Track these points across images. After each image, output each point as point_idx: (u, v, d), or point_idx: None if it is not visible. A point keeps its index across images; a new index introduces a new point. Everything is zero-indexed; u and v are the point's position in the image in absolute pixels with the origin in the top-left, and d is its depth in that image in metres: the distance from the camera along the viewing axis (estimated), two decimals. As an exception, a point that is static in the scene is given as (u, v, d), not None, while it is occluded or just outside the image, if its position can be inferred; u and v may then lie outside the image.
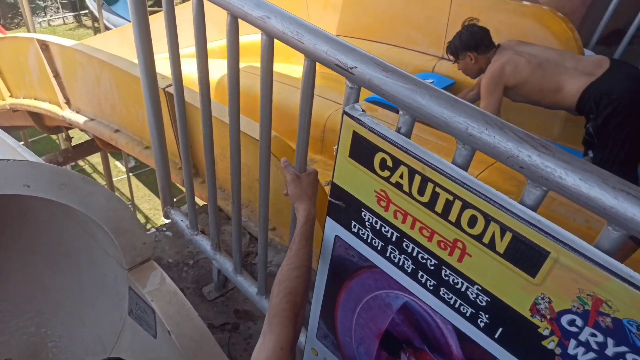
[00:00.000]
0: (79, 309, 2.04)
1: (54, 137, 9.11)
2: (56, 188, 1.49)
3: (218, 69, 3.00)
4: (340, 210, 1.13)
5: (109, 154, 7.71)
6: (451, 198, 0.87)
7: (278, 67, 4.21)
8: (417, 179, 0.91)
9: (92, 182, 1.57)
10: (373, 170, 0.99)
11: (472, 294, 0.93)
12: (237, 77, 1.40)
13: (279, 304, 1.06)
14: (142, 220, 9.32)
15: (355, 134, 0.99)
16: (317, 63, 1.06)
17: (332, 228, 1.18)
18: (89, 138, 6.08)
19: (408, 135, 0.94)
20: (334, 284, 1.27)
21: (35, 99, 4.25)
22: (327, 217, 1.18)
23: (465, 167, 0.87)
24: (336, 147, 1.06)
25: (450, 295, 0.97)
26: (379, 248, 1.08)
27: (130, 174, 8.50)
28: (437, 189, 0.88)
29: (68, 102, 3.67)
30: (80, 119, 3.49)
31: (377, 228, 1.05)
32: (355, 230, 1.11)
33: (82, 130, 4.13)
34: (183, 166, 1.91)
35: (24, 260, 2.17)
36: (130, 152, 3.05)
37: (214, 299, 2.00)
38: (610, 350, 0.75)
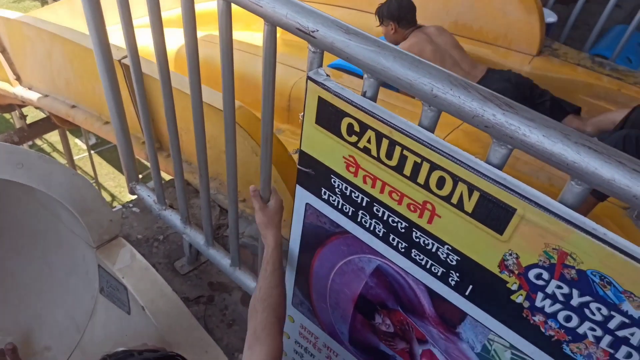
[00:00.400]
0: (49, 291, 2.00)
1: (7, 116, 8.71)
2: (12, 168, 1.43)
3: (175, 39, 2.90)
4: (309, 177, 1.12)
5: (67, 132, 7.43)
6: (419, 160, 0.87)
7: (239, 35, 4.10)
8: (385, 142, 0.90)
9: (51, 160, 1.51)
10: (340, 136, 0.98)
11: (442, 254, 0.95)
12: (196, 45, 1.35)
13: (266, 318, 1.12)
14: (108, 198, 9.11)
15: (320, 99, 0.97)
16: (278, 28, 1.03)
17: (302, 196, 1.17)
18: (45, 115, 5.85)
19: (374, 99, 0.93)
20: (306, 251, 1.28)
21: (-17, 76, 4.03)
22: (297, 185, 1.17)
23: (431, 129, 0.87)
24: (302, 114, 1.04)
25: (422, 256, 0.99)
26: (349, 214, 1.08)
27: (92, 152, 8.25)
28: (405, 152, 0.88)
29: (19, 79, 3.48)
30: (33, 95, 3.33)
31: (347, 194, 1.05)
32: (326, 197, 1.11)
33: (36, 107, 3.95)
34: (146, 141, 1.85)
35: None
36: (89, 128, 2.94)
37: (187, 273, 1.99)
38: (576, 301, 0.78)
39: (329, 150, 1.02)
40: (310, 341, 1.50)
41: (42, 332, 1.96)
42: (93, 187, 1.65)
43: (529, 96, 2.79)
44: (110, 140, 2.96)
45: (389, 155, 0.91)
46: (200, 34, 1.41)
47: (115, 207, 1.72)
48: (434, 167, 0.85)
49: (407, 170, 0.90)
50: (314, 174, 1.10)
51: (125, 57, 2.15)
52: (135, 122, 2.37)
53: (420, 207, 0.92)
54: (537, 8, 3.29)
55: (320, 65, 0.99)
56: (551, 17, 3.79)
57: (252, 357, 1.07)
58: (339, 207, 1.09)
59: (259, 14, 1.02)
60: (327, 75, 0.96)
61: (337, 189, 1.07)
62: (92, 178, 8.64)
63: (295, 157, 1.18)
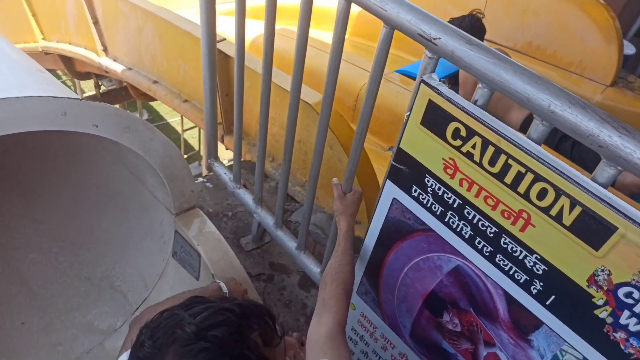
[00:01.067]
0: (124, 249, 2.14)
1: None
2: (120, 130, 1.56)
3: (251, 30, 3.02)
4: (402, 174, 1.18)
5: (126, 105, 7.77)
6: (523, 170, 0.92)
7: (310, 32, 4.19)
8: (490, 150, 0.96)
9: (152, 128, 1.63)
10: (444, 139, 1.04)
11: (529, 262, 0.99)
12: (305, 44, 1.44)
13: (335, 289, 1.20)
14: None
15: (430, 102, 1.03)
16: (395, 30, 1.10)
17: (391, 191, 1.24)
18: (115, 87, 6.15)
19: (484, 107, 0.98)
20: (383, 244, 1.35)
21: (70, 44, 4.29)
22: (387, 179, 1.24)
23: (539, 142, 0.92)
24: (408, 113, 1.10)
25: (506, 262, 1.04)
26: (438, 213, 1.14)
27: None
28: (510, 161, 0.94)
29: (105, 50, 3.70)
30: (117, 67, 3.53)
31: (439, 194, 1.11)
32: (416, 194, 1.17)
33: (118, 78, 4.18)
34: (235, 123, 1.96)
35: (73, 199, 2.26)
36: (168, 104, 3.10)
37: (250, 250, 2.09)
38: (665, 322, 0.81)
39: (429, 150, 1.09)
40: (368, 330, 1.57)
41: (113, 284, 2.11)
42: (182, 158, 1.76)
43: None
44: (186, 117, 3.12)
45: (492, 163, 0.97)
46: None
47: (197, 179, 1.84)
48: (538, 178, 0.90)
49: (509, 178, 0.95)
50: (407, 172, 1.17)
51: (221, 40, 2.28)
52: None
53: (515, 214, 0.98)
54: (617, 38, 3.24)
55: (434, 71, 1.05)
56: (630, 49, 3.71)
57: (320, 321, 1.14)
58: (428, 205, 1.15)
59: (381, 17, 1.09)
60: (442, 80, 1.03)
61: (429, 188, 1.13)
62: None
63: (388, 154, 1.25)
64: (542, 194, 0.91)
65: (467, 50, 0.95)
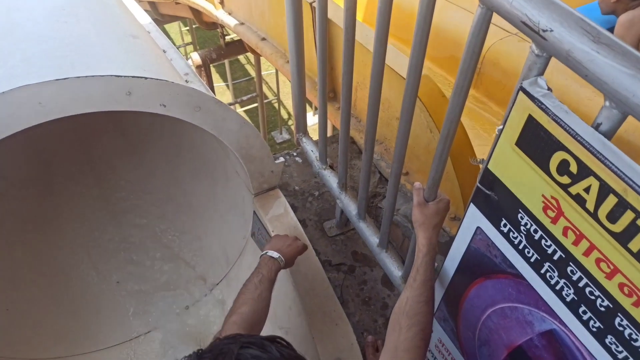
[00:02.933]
0: (210, 219, 2.13)
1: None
2: (191, 110, 1.46)
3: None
4: (489, 201, 0.91)
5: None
6: (659, 241, 0.61)
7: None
8: (612, 200, 0.66)
9: (226, 107, 1.51)
10: (547, 171, 0.75)
11: (654, 361, 0.69)
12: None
13: (412, 339, 0.98)
14: (285, 116, 9.60)
15: (530, 119, 0.74)
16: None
17: (475, 217, 0.97)
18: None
19: (609, 135, 0.67)
20: (464, 274, 1.09)
21: (194, -6, 4.37)
22: (471, 203, 0.97)
23: (694, 203, 0.60)
24: (500, 127, 0.82)
25: (621, 348, 0.74)
26: (532, 260, 0.86)
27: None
28: (640, 223, 0.63)
29: (222, 3, 3.67)
30: (231, 21, 3.49)
31: (535, 238, 0.83)
32: (505, 230, 0.90)
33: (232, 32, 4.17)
34: (319, 91, 1.76)
35: (169, 162, 2.30)
36: (273, 63, 2.99)
37: (334, 236, 1.94)
38: None
39: (525, 180, 0.80)
40: (445, 358, 1.35)
41: (198, 256, 2.12)
42: (260, 137, 1.63)
43: None
44: (288, 79, 2.99)
45: (613, 218, 0.67)
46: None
47: (278, 158, 1.69)
48: (682, 257, 0.59)
49: (636, 245, 0.65)
50: (496, 200, 0.89)
51: (315, 0, 2.06)
52: (315, 65, 2.32)
53: (640, 294, 0.67)
54: None
55: (541, 73, 0.75)
56: None
57: None
58: (520, 247, 0.87)
59: (474, -7, 0.80)
60: (549, 89, 0.73)
61: (522, 227, 0.85)
62: (274, 94, 9.16)
63: (477, 167, 0.98)
64: (687, 281, 0.60)
65: (592, 51, 0.63)
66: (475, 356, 1.19)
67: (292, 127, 9.34)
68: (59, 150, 2.27)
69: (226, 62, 8.41)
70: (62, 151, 2.27)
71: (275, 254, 1.44)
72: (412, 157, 1.95)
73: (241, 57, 10.92)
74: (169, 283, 2.10)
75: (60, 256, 2.11)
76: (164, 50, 2.10)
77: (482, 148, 1.87)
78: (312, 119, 6.99)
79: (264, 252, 1.46)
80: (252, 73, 9.76)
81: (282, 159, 1.76)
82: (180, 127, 2.10)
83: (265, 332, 1.87)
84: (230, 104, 7.96)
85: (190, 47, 9.85)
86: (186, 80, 1.90)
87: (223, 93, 9.97)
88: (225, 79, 9.77)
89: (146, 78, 1.33)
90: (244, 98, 7.94)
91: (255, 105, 8.41)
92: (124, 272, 2.12)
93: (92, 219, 2.21)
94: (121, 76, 1.28)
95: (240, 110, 9.07)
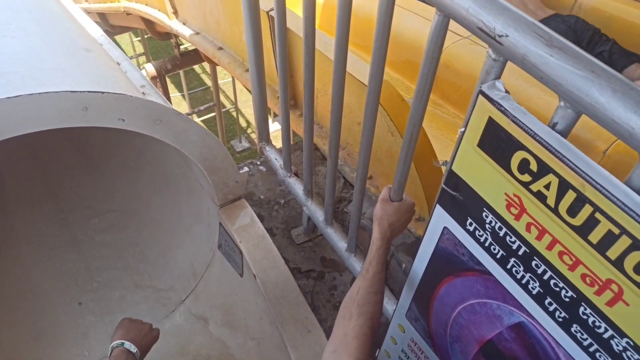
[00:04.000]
0: (175, 232, 2.09)
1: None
2: (151, 123, 1.43)
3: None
4: (455, 202, 0.94)
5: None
6: (617, 232, 0.65)
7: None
8: (571, 195, 0.69)
9: (187, 119, 1.50)
10: (508, 170, 0.77)
11: (617, 346, 0.73)
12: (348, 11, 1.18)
13: (360, 326, 1.00)
14: (244, 124, 9.52)
15: (491, 121, 0.77)
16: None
17: (441, 217, 1.00)
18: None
19: (566, 134, 0.71)
20: (433, 274, 1.12)
21: (146, 5, 4.27)
22: (437, 204, 0.99)
23: (646, 195, 0.63)
24: (462, 129, 0.84)
25: (586, 336, 0.78)
26: (498, 256, 0.89)
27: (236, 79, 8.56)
28: (598, 215, 0.66)
29: (176, 12, 3.62)
30: (186, 31, 3.44)
31: (500, 235, 0.86)
32: (471, 228, 0.92)
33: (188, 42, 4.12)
34: (280, 103, 1.77)
35: (129, 177, 2.24)
36: (232, 72, 2.97)
37: (301, 243, 1.94)
38: None
39: (488, 180, 0.83)
40: (419, 357, 1.37)
41: (164, 271, 2.08)
42: (223, 148, 1.62)
43: (588, 43, 2.39)
44: (249, 89, 2.97)
45: (572, 212, 0.70)
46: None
47: (242, 168, 1.69)
48: (637, 246, 0.63)
49: (595, 237, 0.68)
50: (461, 200, 0.92)
51: (272, 9, 2.06)
52: (275, 74, 2.32)
53: (601, 284, 0.71)
54: None
55: (499, 77, 0.78)
56: None
57: None
58: (486, 245, 0.90)
59: (431, 2, 0.82)
60: (506, 91, 0.75)
61: (487, 225, 0.88)
62: (232, 103, 9.05)
63: (443, 169, 1.00)
64: (643, 269, 0.63)
65: (545, 55, 0.67)
66: (448, 353, 1.21)
67: (252, 135, 9.27)
68: (11, 169, 2.18)
69: (181, 72, 8.28)
70: (15, 170, 2.18)
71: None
72: (375, 160, 1.98)
73: (196, 67, 10.78)
74: (134, 301, 2.05)
75: (18, 279, 2.02)
76: (118, 63, 2.06)
77: (443, 150, 1.92)
78: (272, 126, 6.96)
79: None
80: (208, 82, 9.64)
81: (246, 169, 1.75)
82: (140, 140, 2.06)
83: (238, 343, 1.86)
84: (188, 114, 7.83)
85: (142, 58, 9.64)
86: (143, 93, 1.87)
87: (179, 103, 9.80)
88: (181, 89, 9.61)
89: (103, 92, 1.29)
90: (201, 108, 7.83)
91: (213, 114, 8.31)
92: (86, 293, 2.05)
93: (49, 239, 2.13)
94: (76, 91, 1.25)
95: (197, 120, 8.92)
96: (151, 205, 2.20)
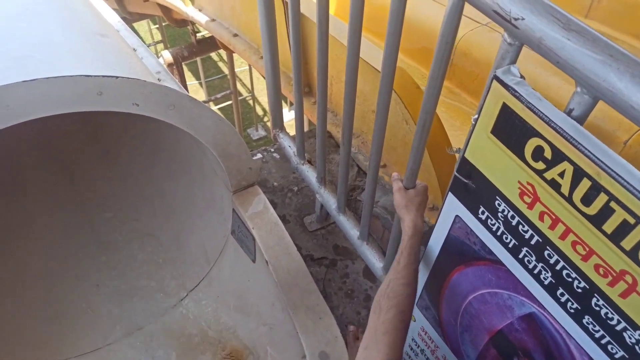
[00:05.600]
0: (188, 218, 2.11)
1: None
2: (164, 108, 1.44)
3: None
4: (467, 190, 0.92)
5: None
6: (632, 221, 0.63)
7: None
8: (585, 184, 0.67)
9: (201, 104, 1.50)
10: (522, 158, 0.76)
11: (630, 338, 0.71)
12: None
13: (391, 320, 0.96)
14: (260, 112, 9.52)
15: (505, 107, 0.75)
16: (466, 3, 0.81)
17: (453, 205, 0.98)
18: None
19: (582, 120, 0.69)
20: (445, 262, 1.11)
21: (163, -9, 4.29)
22: (449, 192, 0.98)
23: (664, 183, 0.61)
24: (475, 116, 0.83)
25: (597, 328, 0.76)
26: (510, 246, 0.87)
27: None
28: (613, 204, 0.65)
29: (192, -1, 3.62)
30: (202, 17, 3.44)
31: (513, 224, 0.84)
32: (483, 217, 0.91)
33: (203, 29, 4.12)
34: (294, 85, 1.76)
35: (144, 163, 2.26)
36: (247, 60, 2.97)
37: (314, 230, 1.95)
38: None
39: (501, 168, 0.81)
40: (429, 346, 1.36)
41: (178, 256, 2.10)
42: (237, 134, 1.62)
43: None
44: (264, 77, 2.97)
45: (587, 201, 0.68)
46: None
47: (255, 154, 1.69)
48: (654, 237, 0.61)
49: (610, 227, 0.66)
50: (473, 188, 0.91)
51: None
52: (290, 61, 2.30)
53: (615, 275, 0.69)
54: None
55: (514, 62, 0.76)
56: None
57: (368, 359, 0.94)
58: (498, 234, 0.89)
59: (446, -17, 0.80)
60: (522, 76, 0.74)
61: (500, 214, 0.86)
62: (249, 91, 9.05)
63: (456, 156, 0.99)
64: (659, 259, 0.62)
65: (562, 39, 0.65)
66: (458, 342, 1.20)
67: (268, 124, 9.26)
68: (29, 154, 2.21)
69: (198, 59, 8.30)
70: (32, 155, 2.22)
71: None
72: (389, 149, 1.97)
73: (213, 55, 10.78)
74: (149, 285, 2.08)
75: (34, 261, 2.06)
76: (134, 49, 2.07)
77: (457, 138, 1.89)
78: (287, 115, 6.95)
79: None
80: (225, 70, 9.66)
81: (259, 156, 1.75)
82: (154, 126, 2.07)
83: (250, 329, 1.88)
84: (204, 102, 7.85)
85: (160, 46, 9.69)
86: (159, 79, 1.87)
87: (196, 91, 9.84)
88: (198, 77, 9.65)
89: (117, 77, 1.30)
90: (218, 96, 7.85)
91: (230, 102, 8.33)
92: (102, 276, 2.09)
93: (66, 223, 2.16)
94: (91, 76, 1.25)
95: (214, 108, 8.95)
96: (165, 191, 2.22)
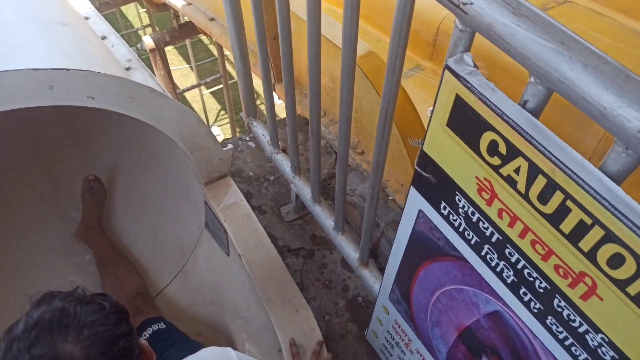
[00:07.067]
0: (163, 210, 2.06)
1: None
2: (123, 100, 1.37)
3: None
4: (428, 184, 0.88)
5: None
6: (589, 222, 0.59)
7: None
8: (541, 181, 0.63)
9: (163, 96, 1.43)
10: (478, 152, 0.71)
11: (592, 341, 0.68)
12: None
13: None
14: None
15: (458, 98, 0.70)
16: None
17: (416, 200, 0.94)
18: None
19: (537, 113, 0.64)
20: (412, 257, 1.07)
21: (140, -25, 4.15)
22: (412, 187, 0.93)
23: (620, 181, 0.57)
24: (431, 108, 0.78)
25: (561, 329, 0.72)
26: (472, 242, 0.83)
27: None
28: (569, 204, 0.60)
29: (169, -18, 3.51)
30: (178, 1, 3.33)
31: (474, 220, 0.80)
32: (445, 212, 0.87)
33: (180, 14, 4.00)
34: (261, 71, 1.68)
35: (117, 153, 2.20)
36: (224, 44, 2.88)
37: (291, 221, 1.90)
38: None
39: (458, 162, 0.77)
40: (403, 339, 1.33)
41: (154, 249, 2.05)
42: (204, 125, 1.56)
43: None
44: (241, 60, 2.88)
45: (543, 200, 0.64)
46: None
47: (226, 144, 1.63)
48: (611, 238, 0.57)
49: (567, 227, 0.62)
50: (434, 182, 0.86)
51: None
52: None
53: (575, 276, 0.65)
54: None
55: (468, 49, 0.71)
56: None
57: None
58: (460, 230, 0.85)
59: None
60: (475, 65, 0.68)
61: (460, 209, 0.82)
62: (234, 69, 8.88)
63: (415, 148, 0.94)
64: (616, 262, 0.58)
65: (512, 25, 0.59)
66: (429, 337, 1.17)
67: (261, 107, 9.12)
68: (3, 143, 2.14)
69: (188, 42, 8.12)
70: (7, 143, 2.15)
71: None
72: (367, 136, 1.91)
73: (204, 38, 10.57)
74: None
75: (11, 253, 2.02)
76: (103, 37, 1.99)
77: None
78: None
79: None
80: (216, 54, 9.49)
81: (230, 146, 1.70)
82: (123, 116, 2.01)
83: (225, 322, 1.85)
84: (195, 86, 7.72)
85: (149, 29, 9.49)
86: (128, 67, 1.80)
87: (187, 75, 9.67)
88: (188, 61, 9.47)
89: (69, 69, 1.23)
90: (208, 80, 7.72)
91: (221, 86, 8.19)
92: (76, 270, 2.04)
93: (40, 217, 2.11)
94: (40, 69, 1.19)
95: (205, 92, 8.82)
96: (140, 182, 2.16)
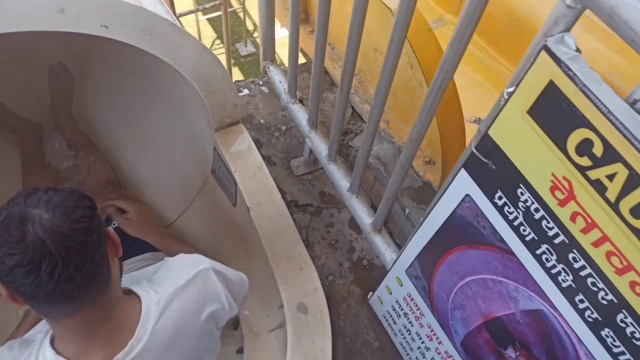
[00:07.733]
0: (167, 151, 1.96)
1: None
2: (139, 33, 1.25)
3: None
4: (484, 170, 0.80)
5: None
6: (694, 248, 0.52)
7: None
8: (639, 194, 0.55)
9: (182, 31, 1.30)
10: (563, 149, 0.63)
11: (656, 363, 0.63)
12: None
13: None
14: (251, 27, 8.97)
15: (552, 85, 0.61)
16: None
17: (465, 183, 0.87)
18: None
19: (649, 115, 0.56)
20: (444, 239, 1.01)
21: None
22: (463, 168, 0.86)
23: None
24: (510, 89, 0.69)
25: (618, 343, 0.68)
26: (527, 239, 0.77)
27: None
28: (673, 224, 0.53)
29: None
30: None
31: (536, 217, 0.73)
32: (500, 203, 0.80)
33: None
34: (290, 16, 1.55)
35: (115, 83, 2.05)
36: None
37: (301, 175, 1.82)
38: None
39: (533, 155, 0.69)
40: (414, 312, 1.31)
41: (156, 190, 1.97)
42: (222, 67, 1.44)
43: None
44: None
45: (638, 214, 0.57)
46: None
47: (241, 90, 1.52)
48: None
49: (662, 247, 0.56)
50: (493, 169, 0.78)
51: None
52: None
53: (654, 297, 0.60)
54: None
55: (568, 30, 0.61)
56: None
57: None
58: (515, 224, 0.78)
59: None
60: (578, 50, 0.59)
61: (521, 203, 0.75)
62: (240, 3, 8.47)
63: (460, 110, 0.85)
64: None
65: (645, 8, 0.50)
66: (447, 317, 1.14)
67: (258, 40, 8.71)
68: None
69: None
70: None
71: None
72: (389, 93, 1.81)
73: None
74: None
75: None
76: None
77: (466, 99, 1.70)
78: (279, 32, 6.50)
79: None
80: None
81: (246, 92, 1.59)
82: (128, 46, 1.86)
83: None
84: (192, 12, 7.36)
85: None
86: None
87: (184, 0, 9.19)
88: (187, -17, 8.96)
89: (81, -6, 1.10)
90: (207, 6, 7.34)
91: (219, 14, 7.79)
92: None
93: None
94: (50, -10, 1.05)
95: (202, 18, 8.40)
96: (141, 118, 2.04)
